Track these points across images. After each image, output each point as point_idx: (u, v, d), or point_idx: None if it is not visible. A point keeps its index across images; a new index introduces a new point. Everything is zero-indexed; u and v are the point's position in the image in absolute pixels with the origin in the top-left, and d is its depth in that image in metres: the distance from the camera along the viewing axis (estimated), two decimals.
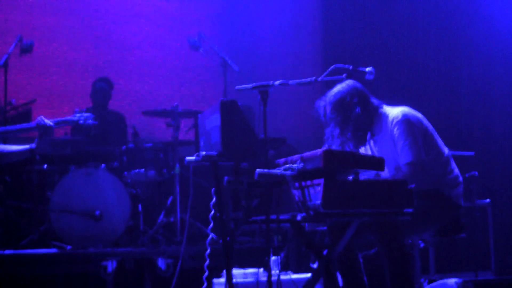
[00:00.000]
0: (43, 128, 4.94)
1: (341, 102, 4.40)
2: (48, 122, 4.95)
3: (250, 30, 8.91)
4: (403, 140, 4.32)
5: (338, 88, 4.45)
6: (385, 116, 4.43)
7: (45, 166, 6.73)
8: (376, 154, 4.43)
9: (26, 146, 5.05)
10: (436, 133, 4.51)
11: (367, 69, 4.30)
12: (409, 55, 8.20)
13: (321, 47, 9.07)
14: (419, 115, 4.48)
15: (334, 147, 4.41)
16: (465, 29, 8.00)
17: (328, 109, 4.44)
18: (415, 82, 8.04)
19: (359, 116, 4.39)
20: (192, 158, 4.21)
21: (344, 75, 4.24)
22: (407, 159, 4.29)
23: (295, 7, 9.27)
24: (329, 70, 4.25)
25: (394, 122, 4.37)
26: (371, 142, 4.50)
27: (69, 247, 6.16)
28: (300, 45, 9.18)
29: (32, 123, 5.04)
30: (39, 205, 6.52)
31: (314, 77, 4.23)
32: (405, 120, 4.36)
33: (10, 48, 6.57)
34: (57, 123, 5.05)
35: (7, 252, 5.87)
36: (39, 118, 5.01)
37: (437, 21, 8.13)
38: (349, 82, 4.44)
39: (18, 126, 5.19)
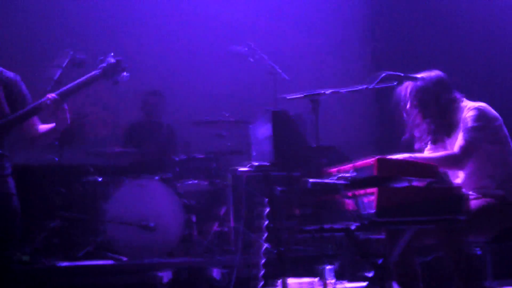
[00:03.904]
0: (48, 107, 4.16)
1: (425, 89, 4.37)
2: (52, 96, 4.15)
3: (298, 38, 8.92)
4: (468, 123, 4.27)
5: (424, 74, 4.41)
6: (463, 108, 4.39)
7: (100, 178, 6.83)
8: (450, 145, 4.39)
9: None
10: (510, 138, 4.43)
11: (418, 76, 4.28)
12: (463, 57, 8.09)
13: (370, 54, 9.03)
14: (497, 114, 4.41)
15: (414, 134, 4.38)
16: None
17: (411, 96, 4.41)
18: (471, 87, 7.91)
19: (441, 105, 4.36)
20: (245, 168, 4.22)
21: (395, 83, 4.22)
22: (463, 138, 4.24)
23: (344, 13, 9.24)
24: (380, 77, 4.22)
25: (467, 109, 4.33)
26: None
27: (124, 258, 6.23)
28: (349, 51, 9.15)
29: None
30: (94, 216, 6.60)
31: (365, 85, 4.21)
32: (479, 109, 4.32)
33: (63, 63, 6.63)
34: (72, 90, 4.20)
35: (64, 264, 5.97)
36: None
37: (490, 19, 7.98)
38: (436, 71, 4.41)
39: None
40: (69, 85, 4.19)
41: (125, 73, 4.34)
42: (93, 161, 7.13)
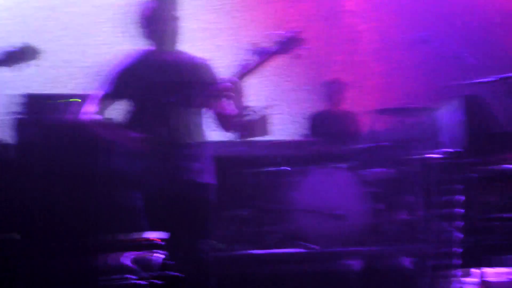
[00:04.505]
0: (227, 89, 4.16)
1: None
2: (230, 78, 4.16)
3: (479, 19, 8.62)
4: None
5: None
6: None
7: (287, 167, 6.95)
8: None
9: None
10: None
11: None
12: None
13: None
14: None
15: None
16: None
17: None
18: None
19: None
20: (435, 155, 4.16)
21: None
22: None
23: None
24: None
25: None
26: None
27: (314, 246, 6.31)
28: None
29: None
30: (283, 205, 6.73)
31: None
32: None
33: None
34: (251, 69, 4.14)
35: (256, 251, 6.14)
36: None
37: None
38: None
39: None
40: (247, 65, 4.16)
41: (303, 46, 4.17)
42: (280, 151, 7.28)
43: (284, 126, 8.07)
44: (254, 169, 6.91)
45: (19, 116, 5.69)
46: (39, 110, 5.73)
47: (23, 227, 5.46)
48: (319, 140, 7.19)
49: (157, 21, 4.21)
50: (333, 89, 7.74)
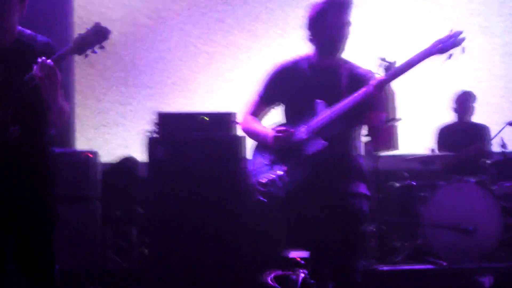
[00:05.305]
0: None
1: None
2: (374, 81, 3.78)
3: None
4: None
5: None
6: None
7: (415, 182, 6.91)
8: None
9: None
10: None
11: None
12: None
13: None
14: None
15: None
16: None
17: None
18: None
19: None
20: None
21: None
22: None
23: None
24: None
25: None
26: None
27: (444, 262, 6.23)
28: None
29: None
30: (412, 220, 6.68)
31: None
32: None
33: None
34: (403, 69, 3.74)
35: (384, 267, 6.13)
36: None
37: None
38: None
39: None
40: (397, 67, 3.75)
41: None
42: (407, 166, 7.23)
43: (412, 139, 8.00)
44: (382, 184, 6.91)
45: (152, 135, 5.93)
46: (172, 128, 5.94)
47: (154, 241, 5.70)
48: (448, 153, 7.09)
49: (324, 26, 3.95)
50: (461, 101, 7.59)
